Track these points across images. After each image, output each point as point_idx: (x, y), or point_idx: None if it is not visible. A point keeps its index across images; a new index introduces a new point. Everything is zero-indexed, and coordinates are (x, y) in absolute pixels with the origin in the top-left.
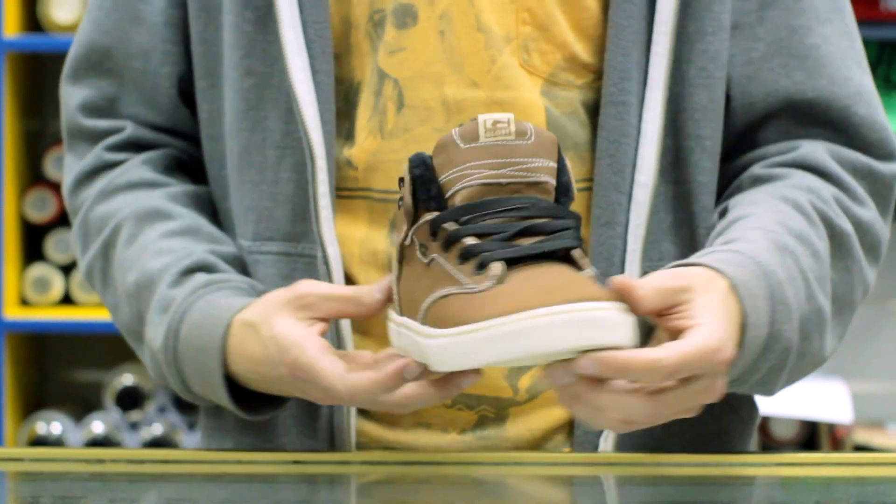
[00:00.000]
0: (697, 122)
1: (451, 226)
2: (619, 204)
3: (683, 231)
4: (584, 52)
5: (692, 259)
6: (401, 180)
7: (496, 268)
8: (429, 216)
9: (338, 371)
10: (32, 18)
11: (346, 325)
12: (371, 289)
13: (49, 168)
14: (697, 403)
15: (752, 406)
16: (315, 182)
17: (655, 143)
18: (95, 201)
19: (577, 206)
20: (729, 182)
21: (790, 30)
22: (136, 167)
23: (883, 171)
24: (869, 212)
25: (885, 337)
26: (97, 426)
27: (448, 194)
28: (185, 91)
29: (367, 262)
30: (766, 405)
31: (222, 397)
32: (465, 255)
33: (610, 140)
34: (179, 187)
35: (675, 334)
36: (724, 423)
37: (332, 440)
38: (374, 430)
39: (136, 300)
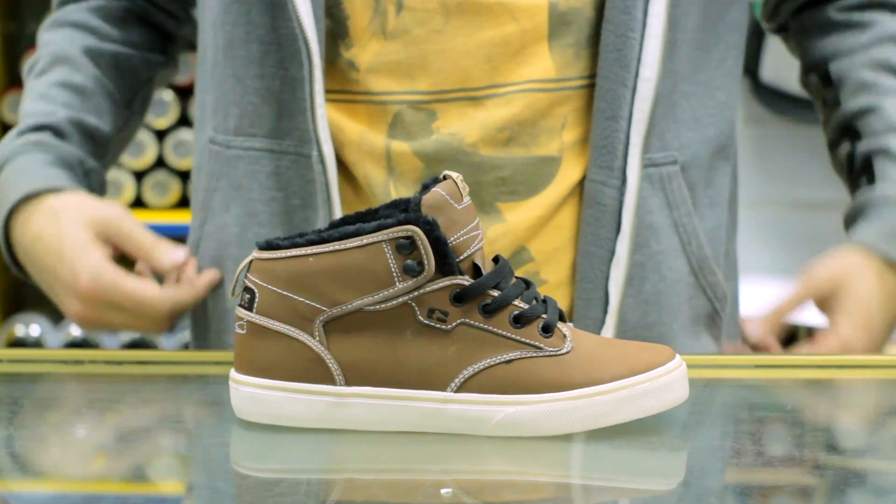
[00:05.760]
0: (687, 14)
1: (491, 290)
2: (623, 98)
3: (669, 119)
4: None
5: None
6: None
7: (566, 330)
8: (457, 281)
9: (151, 287)
10: None
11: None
12: (169, 256)
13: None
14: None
15: (722, 291)
16: (312, 81)
17: (660, 38)
18: (47, 27)
19: (575, 101)
20: (801, 29)
21: None
22: (87, 10)
23: None
24: None
25: None
26: (75, 329)
27: (461, 258)
28: None
29: (365, 154)
30: (744, 308)
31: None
32: (520, 319)
33: (617, 34)
34: (110, 45)
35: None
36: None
37: None
38: None
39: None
